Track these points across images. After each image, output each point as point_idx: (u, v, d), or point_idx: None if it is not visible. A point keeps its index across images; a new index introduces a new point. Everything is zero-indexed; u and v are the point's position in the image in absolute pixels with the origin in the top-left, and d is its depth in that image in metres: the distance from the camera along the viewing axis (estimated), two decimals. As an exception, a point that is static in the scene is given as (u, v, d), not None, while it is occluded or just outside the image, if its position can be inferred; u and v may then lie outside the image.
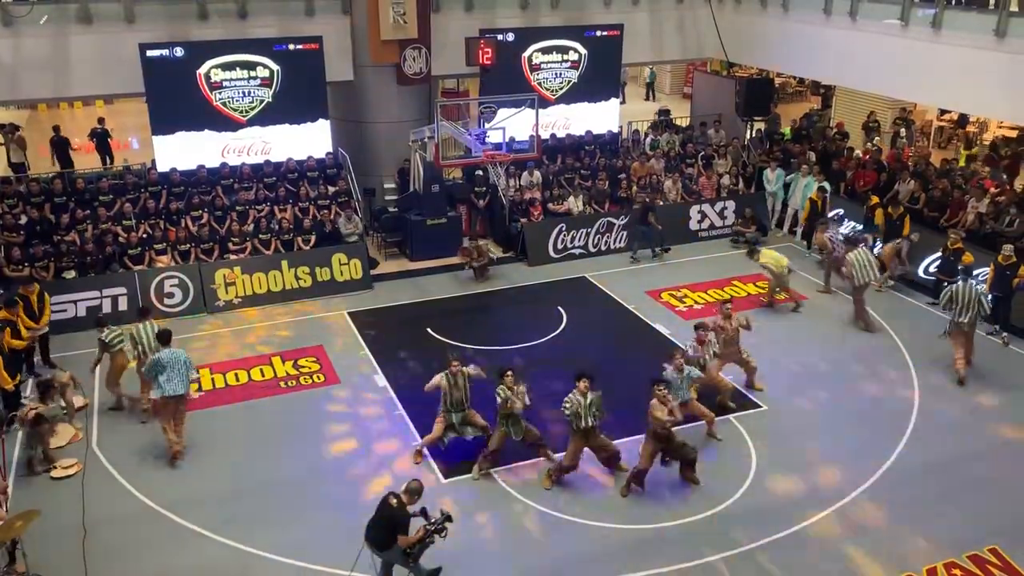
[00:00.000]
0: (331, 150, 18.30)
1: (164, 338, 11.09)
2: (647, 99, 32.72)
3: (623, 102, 25.16)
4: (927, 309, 15.18)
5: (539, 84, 19.67)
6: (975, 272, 14.71)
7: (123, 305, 14.63)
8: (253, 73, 17.11)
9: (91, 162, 21.80)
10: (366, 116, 18.59)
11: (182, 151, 17.07)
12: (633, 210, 17.77)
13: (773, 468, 10.76)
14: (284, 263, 15.68)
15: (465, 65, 18.50)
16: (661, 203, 18.28)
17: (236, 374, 13.09)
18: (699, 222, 18.61)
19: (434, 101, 17.88)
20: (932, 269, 15.58)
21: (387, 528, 8.22)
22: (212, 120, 17.14)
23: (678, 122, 23.04)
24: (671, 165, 19.70)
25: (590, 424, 9.95)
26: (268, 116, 17.51)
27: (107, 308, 14.53)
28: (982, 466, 10.80)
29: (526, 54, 19.40)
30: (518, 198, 18.01)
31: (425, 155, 16.97)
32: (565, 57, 19.80)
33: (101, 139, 22.74)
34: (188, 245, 15.59)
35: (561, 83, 20.02)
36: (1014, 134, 22.97)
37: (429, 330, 14.48)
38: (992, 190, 16.59)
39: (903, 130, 22.59)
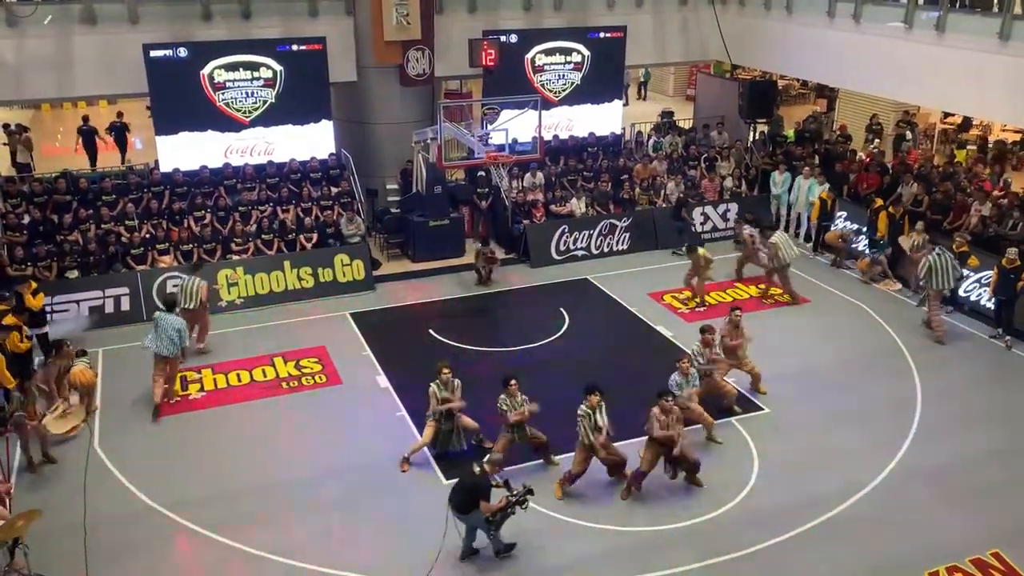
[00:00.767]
0: (334, 151, 18.31)
1: (168, 304, 12.35)
2: (639, 98, 32.87)
3: (626, 104, 25.16)
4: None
5: (542, 86, 19.67)
6: (979, 276, 14.73)
7: (125, 305, 14.65)
8: (256, 74, 17.12)
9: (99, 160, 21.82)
10: (369, 117, 18.60)
11: (185, 151, 17.09)
12: (671, 207, 18.15)
13: (775, 471, 10.74)
14: (286, 264, 15.69)
15: (468, 66, 18.49)
16: (692, 200, 18.49)
17: (238, 374, 13.10)
18: (702, 224, 18.59)
19: (437, 102, 17.88)
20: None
21: (470, 493, 8.82)
22: (215, 120, 17.15)
23: (681, 124, 23.03)
24: (674, 167, 19.69)
25: (598, 438, 9.92)
26: (271, 117, 17.51)
27: (109, 308, 14.55)
28: (985, 470, 10.77)
29: (529, 55, 19.40)
30: (521, 199, 18.01)
31: (428, 156, 16.97)
32: (568, 59, 19.80)
33: (120, 133, 22.87)
34: (191, 245, 15.60)
35: (564, 85, 20.02)
36: (1018, 136, 22.99)
37: (431, 331, 14.47)
38: (996, 192, 16.57)
39: (908, 133, 22.56)
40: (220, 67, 16.80)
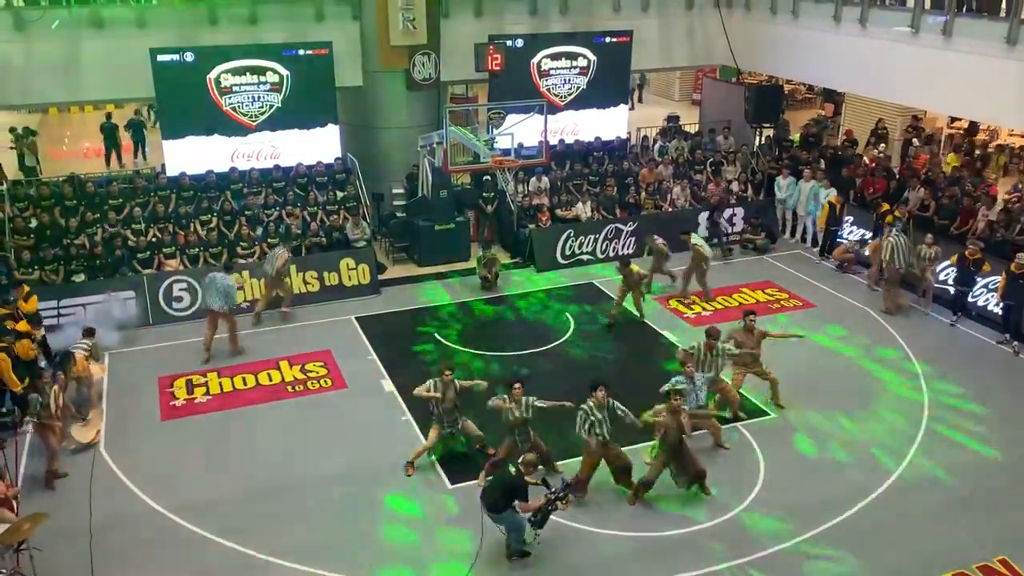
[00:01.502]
0: (340, 155, 18.34)
1: (226, 267, 14.11)
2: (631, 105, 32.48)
3: (632, 108, 25.14)
4: (937, 318, 15.09)
5: (548, 90, 19.68)
6: (986, 281, 14.67)
7: (131, 309, 14.65)
8: (263, 78, 17.17)
9: (99, 166, 21.89)
10: (375, 121, 18.62)
11: (192, 155, 17.13)
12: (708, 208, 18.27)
13: (781, 476, 10.71)
14: (292, 267, 15.69)
15: (474, 71, 18.52)
16: (730, 202, 18.49)
17: (244, 378, 13.11)
18: (707, 229, 18.55)
19: (443, 107, 17.91)
20: (950, 280, 15.43)
21: (504, 493, 8.80)
22: (222, 125, 17.20)
23: (687, 128, 23.01)
24: (680, 171, 19.66)
25: (607, 437, 9.89)
26: (277, 121, 17.55)
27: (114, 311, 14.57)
28: (992, 476, 10.72)
29: (535, 60, 19.41)
30: (526, 204, 18.00)
31: (434, 160, 16.98)
32: (574, 63, 19.81)
33: (137, 129, 22.99)
34: (197, 249, 15.63)
35: (570, 89, 20.02)
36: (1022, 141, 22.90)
37: (437, 335, 14.47)
38: (1006, 197, 16.51)
39: (915, 139, 22.44)
40: (227, 71, 16.84)
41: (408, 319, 15.22)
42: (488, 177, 18.19)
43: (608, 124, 20.63)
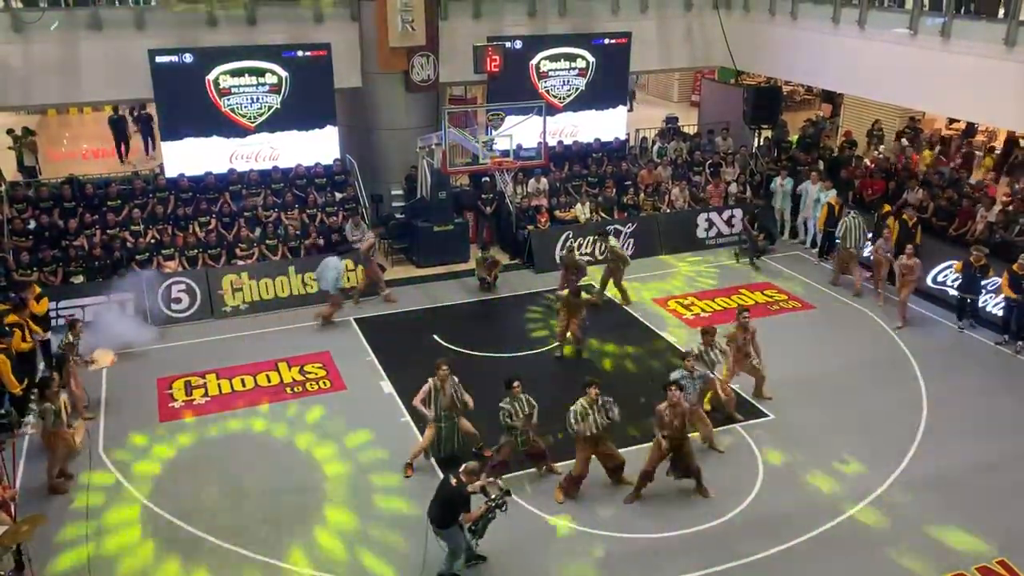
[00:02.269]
0: (339, 156, 18.34)
1: (339, 252, 15.37)
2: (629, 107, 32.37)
3: (631, 110, 25.16)
4: (936, 319, 15.12)
5: (547, 91, 19.69)
6: (985, 282, 14.67)
7: (130, 310, 14.65)
8: (262, 79, 17.17)
9: (98, 168, 21.87)
10: (374, 123, 18.63)
11: (190, 157, 17.13)
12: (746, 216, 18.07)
13: (780, 478, 10.72)
14: (291, 269, 15.70)
15: (473, 72, 18.51)
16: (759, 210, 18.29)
17: (243, 379, 13.10)
18: (706, 230, 18.58)
19: (442, 108, 17.90)
20: (949, 280, 15.45)
21: (448, 507, 8.59)
22: (220, 126, 17.20)
23: (686, 130, 23.02)
24: (678, 173, 19.68)
25: (598, 432, 9.91)
26: (276, 122, 17.56)
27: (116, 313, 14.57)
28: (992, 477, 10.72)
29: (534, 61, 19.42)
30: (525, 205, 18.01)
31: (432, 162, 16.99)
32: (573, 65, 19.83)
33: (146, 124, 23.05)
34: (196, 251, 15.63)
35: (569, 90, 20.03)
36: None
37: (436, 336, 14.47)
38: (1003, 198, 16.52)
39: (904, 140, 22.44)
40: (225, 73, 16.85)
41: (407, 320, 15.22)
42: (487, 178, 18.20)
43: (607, 125, 20.64)
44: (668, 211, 18.58)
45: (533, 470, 10.69)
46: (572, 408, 9.92)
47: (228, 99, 17.05)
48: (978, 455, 11.14)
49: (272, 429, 11.85)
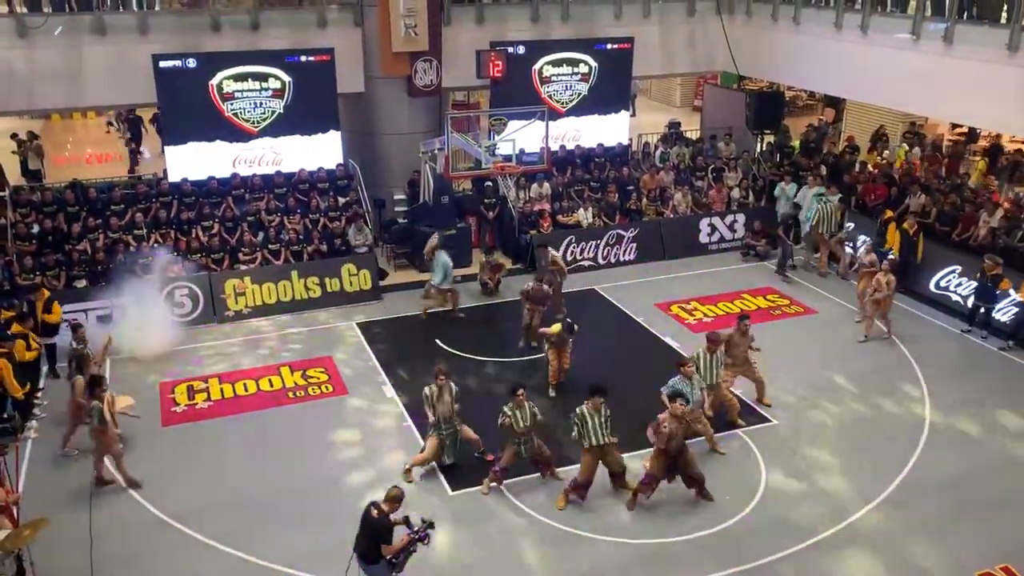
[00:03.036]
0: (342, 161, 18.36)
1: (445, 245, 15.39)
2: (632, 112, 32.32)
3: (633, 115, 25.16)
4: (939, 324, 15.09)
5: (549, 96, 19.71)
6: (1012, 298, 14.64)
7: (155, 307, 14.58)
8: (265, 84, 17.20)
9: (101, 172, 21.91)
10: (377, 128, 18.66)
11: (193, 161, 17.16)
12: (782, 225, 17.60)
13: (783, 483, 10.70)
14: (294, 273, 15.72)
15: (476, 77, 18.56)
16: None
17: (245, 384, 13.11)
18: (709, 235, 18.58)
19: (444, 113, 17.93)
20: (951, 286, 15.42)
21: (371, 538, 8.15)
22: (224, 131, 17.22)
23: (688, 135, 23.03)
24: (681, 178, 19.68)
25: (601, 442, 9.90)
26: (279, 127, 17.57)
27: (117, 317, 14.56)
28: (995, 483, 10.70)
29: (536, 67, 19.44)
30: (527, 210, 18.02)
31: (435, 166, 17.01)
32: (575, 70, 19.84)
33: (135, 125, 23.18)
34: (199, 255, 15.63)
35: (571, 95, 20.05)
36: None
37: (438, 341, 14.47)
38: (1006, 205, 16.49)
39: (905, 145, 22.42)
40: (229, 77, 16.88)
41: (409, 325, 15.22)
42: (489, 183, 18.21)
43: (609, 130, 20.65)
44: (671, 216, 18.58)
45: (536, 475, 10.68)
46: (574, 415, 9.91)
47: (231, 104, 17.08)
48: (981, 460, 11.12)
49: (274, 434, 11.84)
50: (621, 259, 17.83)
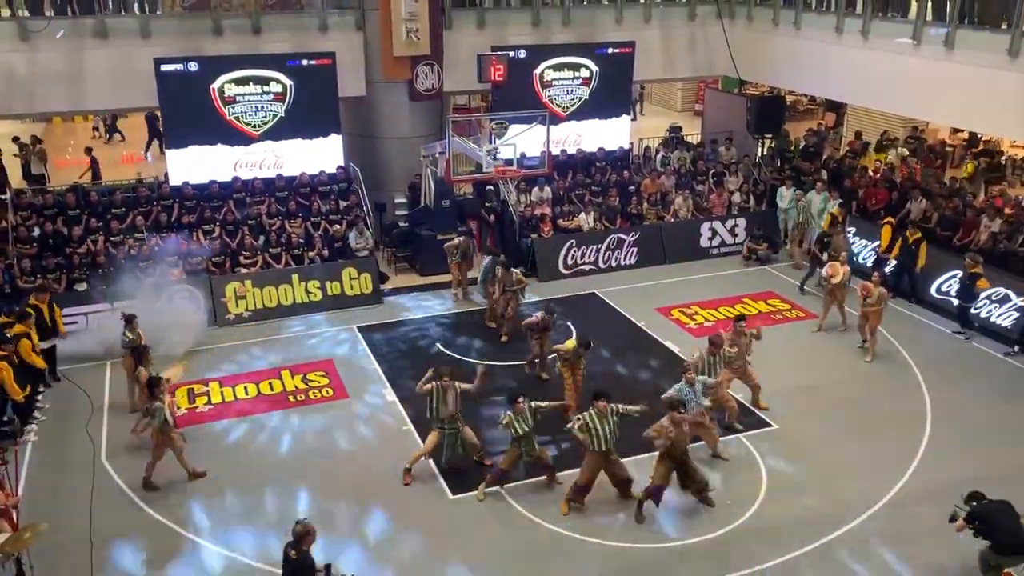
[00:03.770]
0: (343, 165, 18.38)
1: (490, 252, 15.61)
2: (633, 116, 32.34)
3: (634, 119, 25.18)
4: (940, 329, 15.07)
5: (550, 101, 19.72)
6: (989, 292, 14.64)
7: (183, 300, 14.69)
8: (266, 88, 17.22)
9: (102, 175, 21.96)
10: (378, 131, 18.67)
11: (195, 165, 17.17)
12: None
13: (783, 488, 10.68)
14: (295, 277, 15.72)
15: (477, 81, 18.57)
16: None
17: (245, 387, 13.10)
18: (710, 239, 18.58)
19: (445, 117, 17.93)
20: (952, 293, 15.38)
21: None
22: (225, 134, 17.23)
23: (689, 139, 23.04)
24: (682, 182, 19.69)
25: (607, 447, 9.88)
26: (281, 131, 17.58)
27: (117, 320, 14.55)
28: (996, 488, 10.62)
29: (538, 71, 19.46)
30: (528, 214, 18.02)
31: (436, 170, 17.01)
32: (576, 74, 19.86)
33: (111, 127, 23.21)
34: (199, 258, 15.62)
35: (572, 100, 20.06)
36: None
37: (439, 345, 14.46)
38: (1008, 210, 16.49)
39: (905, 150, 22.43)
40: (230, 81, 16.90)
41: (410, 328, 15.21)
42: (491, 187, 18.22)
43: (610, 134, 20.66)
44: (671, 220, 18.58)
45: (537, 479, 10.66)
46: (579, 417, 9.89)
47: (233, 107, 17.10)
48: (983, 465, 11.08)
49: (274, 437, 11.83)
50: (622, 263, 17.83)
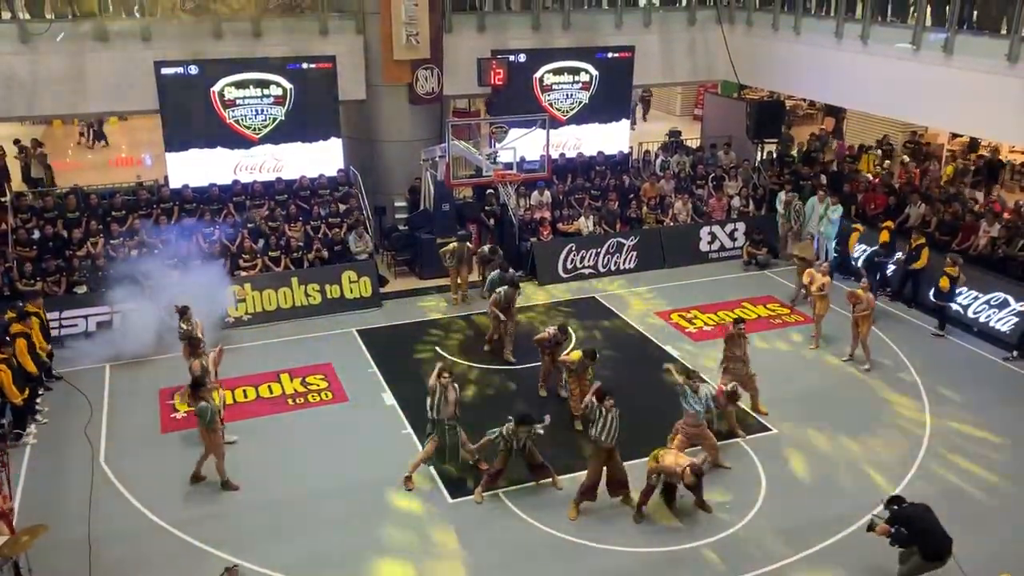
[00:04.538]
0: (343, 168, 18.39)
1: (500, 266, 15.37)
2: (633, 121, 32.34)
3: (634, 123, 25.23)
4: (939, 333, 15.07)
5: (550, 105, 19.75)
6: (987, 297, 14.66)
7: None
8: (267, 91, 17.24)
9: (101, 178, 21.94)
10: (378, 135, 18.69)
11: (195, 168, 17.18)
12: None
13: (782, 493, 10.68)
14: (294, 280, 15.72)
15: (477, 85, 18.59)
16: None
17: (244, 391, 13.09)
18: (709, 243, 18.59)
19: (445, 120, 17.94)
20: (967, 303, 15.31)
21: None
22: (225, 137, 17.26)
23: (688, 144, 23.07)
24: (681, 186, 19.71)
25: (612, 444, 9.91)
26: (281, 134, 17.61)
27: (117, 323, 14.56)
28: (995, 492, 10.68)
29: (537, 75, 19.50)
30: (528, 217, 18.04)
31: (436, 174, 17.03)
32: (576, 78, 19.90)
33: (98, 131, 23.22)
34: (199, 261, 15.60)
35: (572, 104, 20.10)
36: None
37: (438, 349, 14.46)
38: (1006, 215, 16.51)
39: (905, 156, 22.44)
40: (231, 84, 16.92)
41: (409, 332, 15.21)
42: (490, 191, 18.24)
43: (610, 139, 20.68)
44: (671, 224, 18.60)
45: (534, 484, 10.66)
46: (591, 407, 9.95)
47: (233, 111, 17.12)
48: (980, 471, 11.10)
49: (274, 441, 11.82)
50: (621, 267, 17.84)
